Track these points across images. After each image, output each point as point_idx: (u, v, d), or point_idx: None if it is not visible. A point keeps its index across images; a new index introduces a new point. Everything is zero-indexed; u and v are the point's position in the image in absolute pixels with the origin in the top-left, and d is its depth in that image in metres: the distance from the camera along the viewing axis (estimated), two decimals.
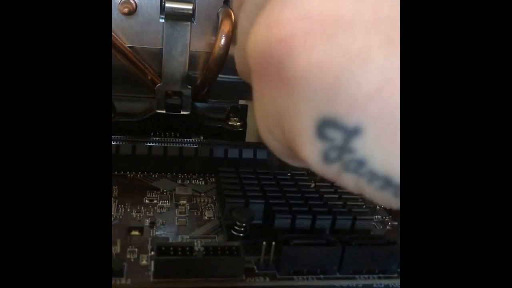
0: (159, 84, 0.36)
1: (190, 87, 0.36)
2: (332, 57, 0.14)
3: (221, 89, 0.38)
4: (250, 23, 0.17)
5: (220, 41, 0.34)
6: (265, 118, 0.17)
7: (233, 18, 0.34)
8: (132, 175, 0.32)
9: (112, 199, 0.29)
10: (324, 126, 0.14)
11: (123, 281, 0.23)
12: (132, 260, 0.24)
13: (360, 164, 0.15)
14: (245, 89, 0.37)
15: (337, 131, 0.14)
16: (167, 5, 0.33)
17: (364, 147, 0.14)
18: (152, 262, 0.24)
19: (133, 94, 0.37)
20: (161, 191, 0.31)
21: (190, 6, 0.33)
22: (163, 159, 0.33)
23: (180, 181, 0.32)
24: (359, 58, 0.14)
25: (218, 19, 0.35)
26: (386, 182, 0.15)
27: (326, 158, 0.15)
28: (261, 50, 0.15)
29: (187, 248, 0.24)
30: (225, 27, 0.34)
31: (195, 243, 0.25)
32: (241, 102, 0.39)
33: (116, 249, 0.24)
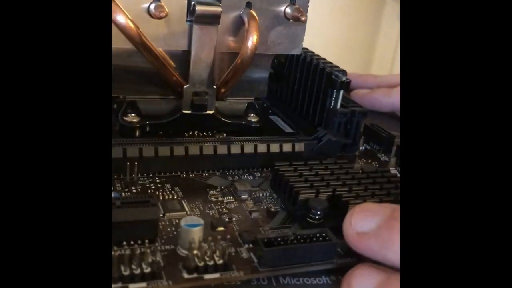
0: (186, 86, 0.37)
1: (215, 86, 0.37)
2: None
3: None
4: None
5: (248, 42, 0.35)
6: None
7: (257, 20, 0.36)
8: (184, 175, 0.33)
9: (180, 199, 0.30)
10: None
11: (234, 273, 0.25)
12: (233, 254, 0.26)
13: None
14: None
15: None
16: (198, 8, 0.34)
17: None
18: (255, 254, 0.25)
19: (154, 96, 0.38)
20: (220, 188, 0.32)
21: (219, 9, 0.35)
22: (213, 157, 0.34)
23: (230, 177, 0.34)
24: None
25: (242, 20, 0.36)
26: None
27: None
28: None
29: (285, 238, 0.26)
30: (252, 28, 0.35)
31: (289, 234, 0.26)
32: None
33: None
